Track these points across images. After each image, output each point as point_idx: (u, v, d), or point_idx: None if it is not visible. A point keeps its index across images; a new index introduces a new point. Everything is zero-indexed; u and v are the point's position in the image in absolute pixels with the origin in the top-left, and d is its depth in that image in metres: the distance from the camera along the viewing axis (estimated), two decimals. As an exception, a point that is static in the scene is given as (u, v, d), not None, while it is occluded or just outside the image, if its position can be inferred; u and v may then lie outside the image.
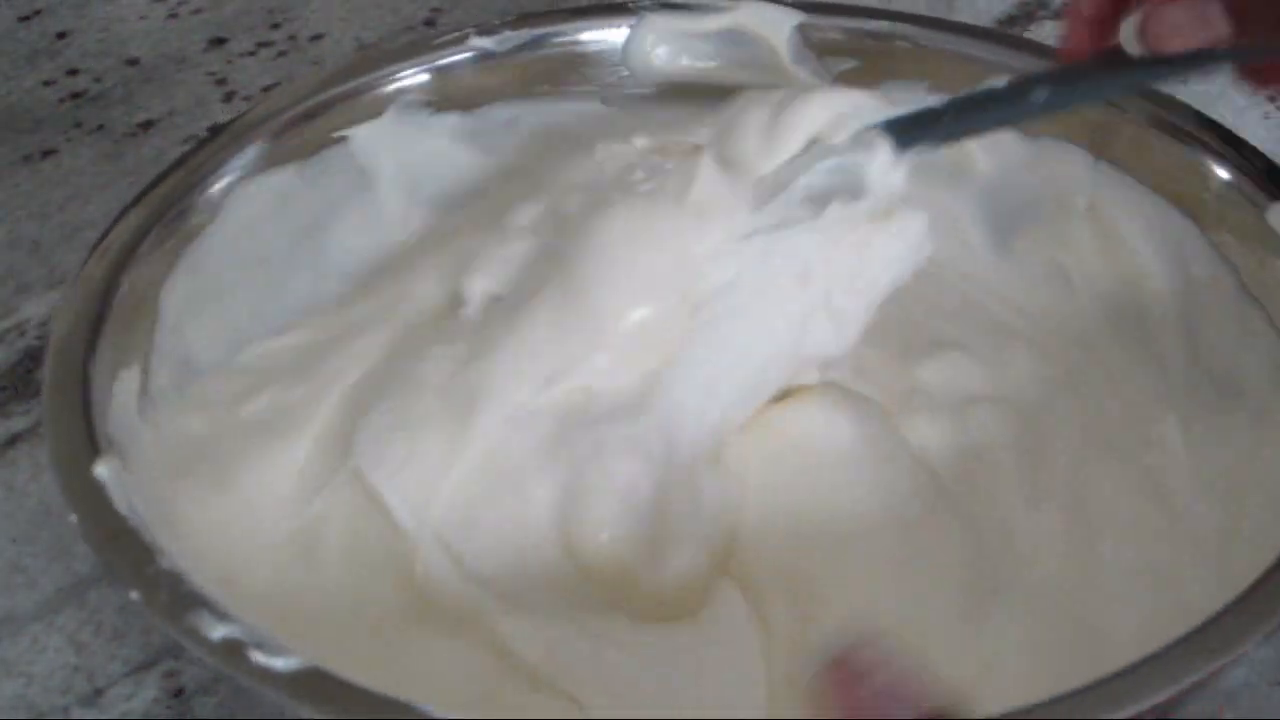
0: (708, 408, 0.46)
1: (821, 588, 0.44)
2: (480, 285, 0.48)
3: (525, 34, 0.57)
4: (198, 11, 0.77)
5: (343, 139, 0.55)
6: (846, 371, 0.49)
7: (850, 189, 0.45)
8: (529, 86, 0.58)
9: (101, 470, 0.42)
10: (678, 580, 0.45)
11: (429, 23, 0.75)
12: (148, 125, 0.69)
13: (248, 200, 0.53)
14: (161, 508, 0.44)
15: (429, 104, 0.56)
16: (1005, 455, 0.49)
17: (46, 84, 0.72)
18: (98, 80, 0.72)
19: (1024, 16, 0.72)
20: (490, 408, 0.45)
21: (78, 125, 0.69)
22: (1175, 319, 0.52)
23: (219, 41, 0.75)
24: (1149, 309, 0.52)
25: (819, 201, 0.45)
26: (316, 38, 0.75)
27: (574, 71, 0.58)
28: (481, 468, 0.45)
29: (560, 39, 0.58)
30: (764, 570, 0.46)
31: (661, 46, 0.57)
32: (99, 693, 0.47)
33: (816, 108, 0.46)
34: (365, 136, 0.55)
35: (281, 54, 0.73)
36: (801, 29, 0.56)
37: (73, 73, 0.73)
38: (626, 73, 0.58)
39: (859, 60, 0.56)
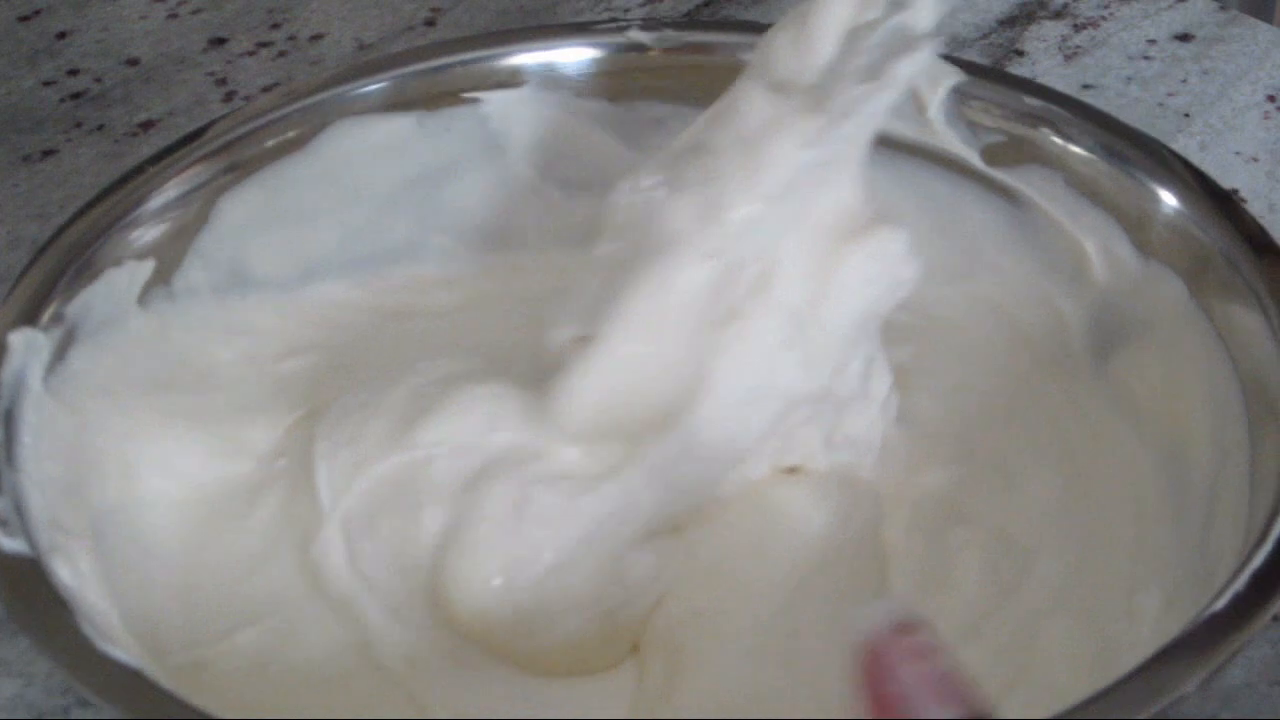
0: (684, 492, 0.44)
1: (696, 663, 0.42)
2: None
3: (687, 37, 0.55)
4: (198, 11, 0.77)
5: (474, 100, 0.54)
6: (900, 466, 0.47)
7: (906, 46, 0.43)
8: (683, 92, 0.55)
9: (16, 338, 0.41)
10: (552, 647, 0.43)
11: (429, 23, 0.75)
12: (148, 125, 0.69)
13: (350, 137, 0.52)
14: (89, 394, 0.44)
15: (574, 88, 0.55)
16: (968, 587, 0.45)
17: (46, 84, 0.72)
18: (98, 80, 0.72)
19: (1024, 16, 0.72)
20: (431, 425, 0.44)
21: (78, 125, 0.69)
22: (1205, 487, 0.46)
23: (219, 41, 0.75)
24: (1189, 472, 0.47)
25: (877, 71, 0.42)
26: (316, 38, 0.75)
27: (729, 85, 0.56)
28: (400, 474, 0.44)
29: (722, 50, 0.55)
30: (655, 636, 0.44)
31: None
32: (99, 693, 0.47)
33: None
34: (503, 102, 0.54)
35: (281, 54, 0.73)
36: (957, 90, 0.52)
37: (73, 73, 0.73)
38: None
39: (1003, 135, 0.52)
